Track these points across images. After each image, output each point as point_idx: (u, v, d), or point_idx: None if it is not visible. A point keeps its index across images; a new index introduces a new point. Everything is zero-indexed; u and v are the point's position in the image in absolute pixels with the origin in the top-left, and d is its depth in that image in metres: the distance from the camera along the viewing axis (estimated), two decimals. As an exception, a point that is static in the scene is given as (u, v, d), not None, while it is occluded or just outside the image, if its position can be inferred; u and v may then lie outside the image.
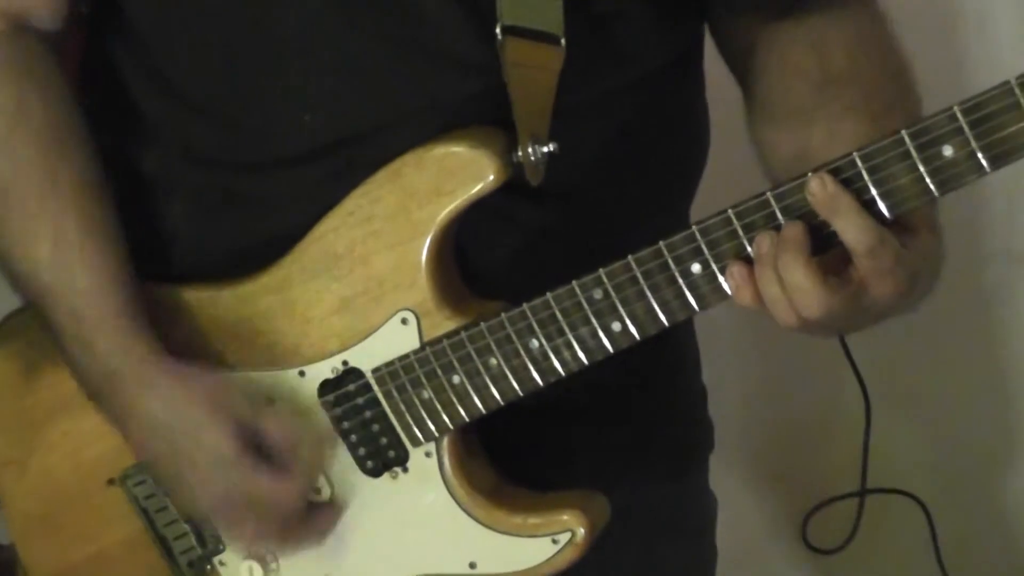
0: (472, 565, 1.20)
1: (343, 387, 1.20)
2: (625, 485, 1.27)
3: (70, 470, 1.31)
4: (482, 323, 1.15)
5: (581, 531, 1.18)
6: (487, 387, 1.16)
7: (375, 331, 1.19)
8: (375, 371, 1.19)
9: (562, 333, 1.13)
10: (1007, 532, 2.20)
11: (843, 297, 1.04)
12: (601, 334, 1.12)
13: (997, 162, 0.98)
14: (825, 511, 2.16)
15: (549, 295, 1.12)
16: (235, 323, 1.23)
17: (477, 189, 1.14)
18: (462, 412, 1.17)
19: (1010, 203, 1.98)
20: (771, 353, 2.09)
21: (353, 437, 1.21)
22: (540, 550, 1.19)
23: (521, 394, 1.16)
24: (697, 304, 1.09)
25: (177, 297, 1.25)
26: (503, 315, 1.14)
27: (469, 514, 1.20)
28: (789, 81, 1.21)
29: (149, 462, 1.25)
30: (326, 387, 1.21)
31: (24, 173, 1.21)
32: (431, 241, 1.16)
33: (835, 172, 1.02)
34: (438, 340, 1.17)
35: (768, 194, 1.05)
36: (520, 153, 1.14)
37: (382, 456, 1.21)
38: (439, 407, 1.18)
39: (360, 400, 1.20)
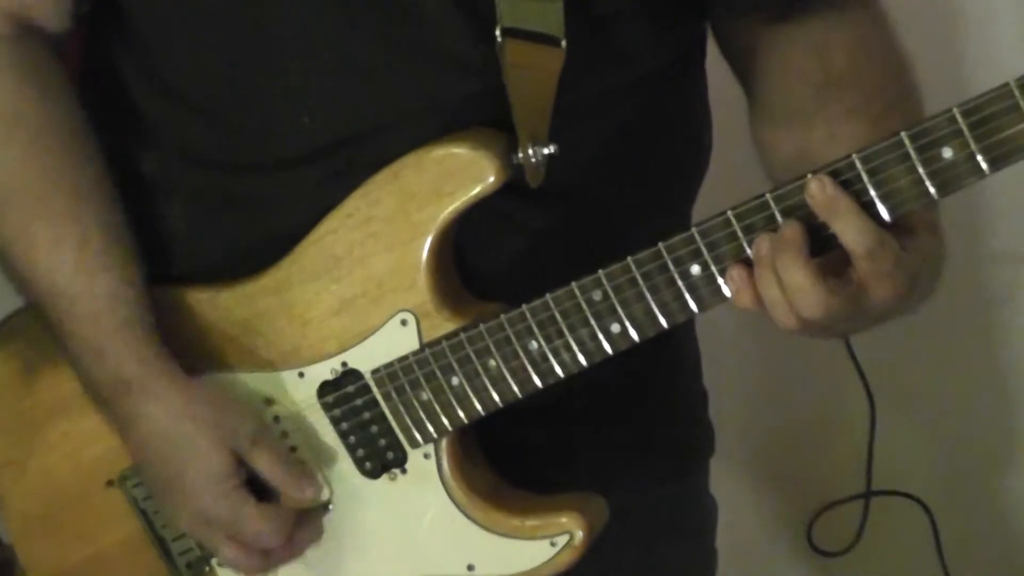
0: (470, 567, 1.20)
1: (342, 388, 1.20)
2: (625, 486, 1.27)
3: (69, 471, 1.31)
4: (481, 324, 1.15)
5: (579, 533, 1.18)
6: (486, 389, 1.16)
7: (374, 332, 1.18)
8: (374, 372, 1.19)
9: (561, 335, 1.12)
10: (1010, 534, 2.19)
11: (843, 298, 1.03)
12: (600, 336, 1.11)
13: (997, 164, 0.98)
14: (828, 514, 2.16)
15: (548, 296, 1.12)
16: (234, 324, 1.23)
17: (477, 191, 1.14)
18: (461, 414, 1.17)
19: (1011, 204, 1.98)
20: (773, 355, 2.09)
21: (352, 438, 1.21)
22: (538, 552, 1.19)
23: (520, 396, 1.16)
24: (696, 306, 1.09)
25: (176, 298, 1.24)
26: (502, 316, 1.14)
27: (467, 516, 1.20)
28: (790, 83, 1.21)
29: (141, 467, 1.25)
30: (325, 388, 1.21)
31: (51, 178, 1.21)
32: (431, 243, 1.16)
33: (834, 174, 1.02)
34: (437, 342, 1.17)
35: (768, 196, 1.05)
36: (520, 155, 1.14)
37: (381, 457, 1.21)
38: (438, 409, 1.18)
39: (359, 401, 1.20)
